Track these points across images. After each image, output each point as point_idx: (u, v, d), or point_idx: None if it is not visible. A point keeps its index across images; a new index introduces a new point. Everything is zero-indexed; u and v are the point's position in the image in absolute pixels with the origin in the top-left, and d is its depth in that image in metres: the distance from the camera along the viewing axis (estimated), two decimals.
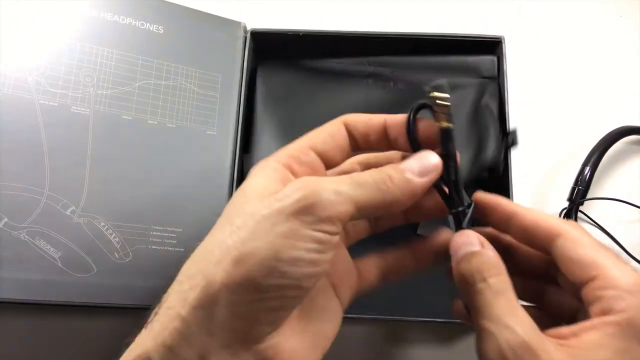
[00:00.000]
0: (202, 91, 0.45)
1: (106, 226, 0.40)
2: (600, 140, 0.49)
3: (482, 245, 0.25)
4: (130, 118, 0.42)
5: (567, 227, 0.25)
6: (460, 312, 0.30)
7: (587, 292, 0.23)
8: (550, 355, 0.21)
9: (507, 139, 0.44)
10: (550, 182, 0.51)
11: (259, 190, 0.24)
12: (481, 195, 0.28)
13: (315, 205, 0.22)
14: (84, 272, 0.39)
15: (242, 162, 0.46)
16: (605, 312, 0.22)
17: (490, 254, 0.25)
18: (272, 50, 0.49)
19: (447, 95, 0.25)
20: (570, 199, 0.47)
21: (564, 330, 0.23)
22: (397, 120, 0.27)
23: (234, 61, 0.47)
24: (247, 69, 0.47)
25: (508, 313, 0.22)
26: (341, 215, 0.22)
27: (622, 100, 0.53)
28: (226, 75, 0.46)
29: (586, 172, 0.47)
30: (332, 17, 0.56)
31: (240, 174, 0.45)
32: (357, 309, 0.42)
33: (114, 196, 0.40)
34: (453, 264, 0.26)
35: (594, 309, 0.22)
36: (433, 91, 0.25)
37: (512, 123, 0.45)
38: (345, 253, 0.29)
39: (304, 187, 0.22)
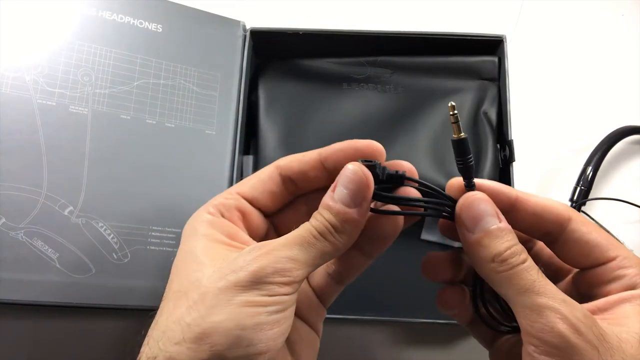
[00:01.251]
0: (201, 90, 0.45)
1: (104, 227, 0.40)
2: (603, 140, 0.48)
3: (499, 217, 0.25)
4: (128, 117, 0.42)
5: (574, 212, 0.26)
6: (449, 304, 0.29)
7: (605, 272, 0.25)
8: (603, 324, 0.22)
9: (506, 153, 0.44)
10: (552, 182, 0.50)
11: (208, 253, 0.23)
12: (482, 183, 0.27)
13: (271, 276, 0.22)
14: (82, 273, 0.38)
15: (241, 162, 0.46)
16: (630, 287, 0.24)
17: (512, 230, 0.24)
18: (272, 49, 0.49)
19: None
20: (572, 199, 0.47)
21: (588, 306, 0.24)
22: (331, 150, 0.26)
23: (233, 60, 0.47)
24: (246, 68, 0.47)
25: (555, 289, 0.23)
26: (297, 279, 0.23)
27: (624, 100, 0.53)
28: (225, 75, 0.46)
29: (588, 172, 0.47)
30: (332, 17, 0.56)
31: (240, 174, 0.45)
32: (357, 310, 0.42)
33: (112, 196, 0.40)
34: (469, 236, 0.25)
35: (614, 286, 0.24)
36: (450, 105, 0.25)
37: (514, 126, 0.45)
38: (304, 289, 0.29)
39: (258, 258, 0.22)
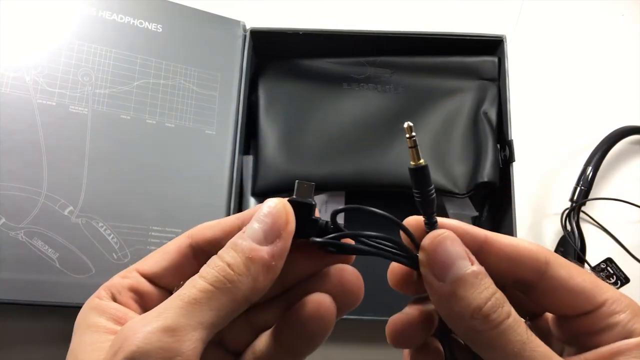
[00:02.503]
0: (201, 90, 0.45)
1: (104, 226, 0.40)
2: (603, 140, 0.48)
3: (470, 259, 0.20)
4: (128, 117, 0.42)
5: (551, 254, 0.21)
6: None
7: (593, 320, 0.21)
8: None
9: (506, 153, 0.44)
10: (553, 182, 0.50)
11: (87, 352, 0.19)
12: (443, 222, 0.22)
13: None
14: (82, 272, 0.38)
15: (241, 162, 0.45)
16: (624, 336, 0.20)
17: (486, 272, 0.20)
18: (272, 49, 0.49)
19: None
20: (572, 199, 0.47)
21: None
22: (248, 212, 0.21)
23: (233, 60, 0.47)
24: (246, 68, 0.47)
25: (549, 352, 0.19)
26: (188, 352, 0.17)
27: (624, 100, 0.53)
28: (225, 74, 0.46)
29: (588, 172, 0.47)
30: (332, 17, 0.56)
31: (240, 174, 0.45)
32: (357, 310, 0.42)
33: (112, 196, 0.40)
34: (439, 287, 0.20)
35: (605, 337, 0.20)
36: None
37: (514, 126, 0.44)
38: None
39: (123, 348, 0.17)
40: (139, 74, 0.43)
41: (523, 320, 0.20)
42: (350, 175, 0.44)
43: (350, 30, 0.47)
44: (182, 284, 0.19)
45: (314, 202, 0.21)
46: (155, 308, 0.18)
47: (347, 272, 0.23)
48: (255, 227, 0.19)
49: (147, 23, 0.45)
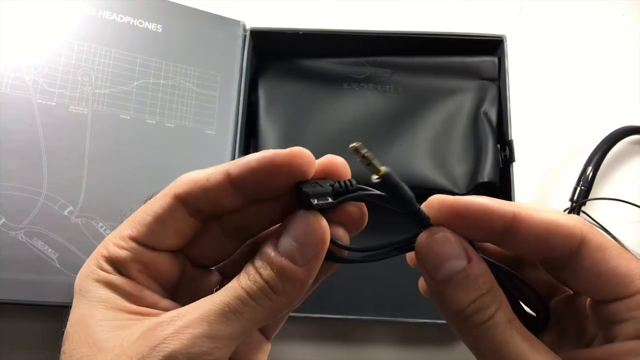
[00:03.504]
0: (201, 90, 0.45)
1: (104, 227, 0.40)
2: (603, 140, 0.48)
3: (468, 256, 0.20)
4: (128, 117, 0.42)
5: (589, 230, 0.20)
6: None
7: (619, 308, 0.19)
8: None
9: (506, 153, 0.44)
10: (553, 182, 0.50)
11: (104, 328, 0.19)
12: (470, 201, 0.20)
13: None
14: None
15: None
16: None
17: (484, 271, 0.20)
18: (272, 49, 0.49)
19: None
20: (572, 199, 0.47)
21: (584, 354, 0.20)
22: (240, 168, 0.20)
23: (233, 60, 0.47)
24: (246, 68, 0.47)
25: (533, 351, 0.19)
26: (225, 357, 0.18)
27: (624, 99, 0.53)
28: (225, 74, 0.46)
29: (588, 172, 0.47)
30: (332, 17, 0.56)
31: None
32: (357, 310, 0.42)
33: (112, 196, 0.40)
34: (430, 283, 0.20)
35: (625, 328, 0.19)
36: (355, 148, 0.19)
37: (514, 126, 0.44)
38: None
39: (167, 341, 0.17)
40: (139, 74, 0.43)
41: (511, 319, 0.19)
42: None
43: (350, 30, 0.47)
44: (225, 284, 0.19)
45: (327, 186, 0.20)
46: (195, 307, 0.18)
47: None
48: (290, 244, 0.19)
49: (147, 23, 0.45)
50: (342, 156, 0.21)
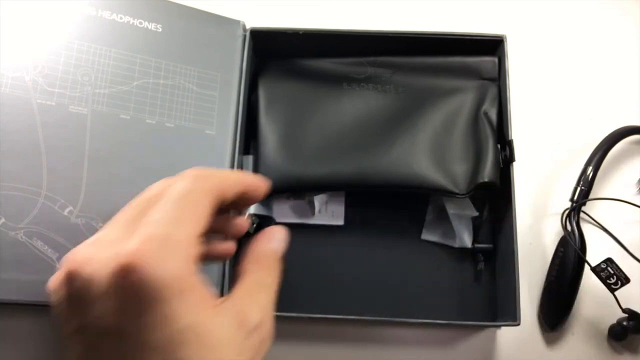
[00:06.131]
0: (201, 90, 0.45)
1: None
2: (603, 140, 0.48)
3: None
4: (128, 117, 0.42)
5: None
6: None
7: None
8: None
9: (506, 153, 0.44)
10: (553, 182, 0.50)
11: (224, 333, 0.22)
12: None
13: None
14: None
15: (241, 162, 0.45)
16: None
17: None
18: (272, 49, 0.49)
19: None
20: (572, 199, 0.47)
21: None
22: (248, 183, 0.28)
23: (233, 60, 0.47)
24: (246, 68, 0.47)
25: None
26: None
27: (624, 100, 0.53)
28: (225, 74, 0.46)
29: (589, 172, 0.47)
30: (332, 17, 0.56)
31: None
32: (357, 310, 0.42)
33: (112, 197, 0.40)
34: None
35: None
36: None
37: (514, 126, 0.44)
38: None
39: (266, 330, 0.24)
40: (139, 73, 0.43)
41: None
42: (350, 175, 0.44)
43: (350, 30, 0.47)
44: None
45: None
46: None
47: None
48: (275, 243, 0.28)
49: (146, 23, 0.45)
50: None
